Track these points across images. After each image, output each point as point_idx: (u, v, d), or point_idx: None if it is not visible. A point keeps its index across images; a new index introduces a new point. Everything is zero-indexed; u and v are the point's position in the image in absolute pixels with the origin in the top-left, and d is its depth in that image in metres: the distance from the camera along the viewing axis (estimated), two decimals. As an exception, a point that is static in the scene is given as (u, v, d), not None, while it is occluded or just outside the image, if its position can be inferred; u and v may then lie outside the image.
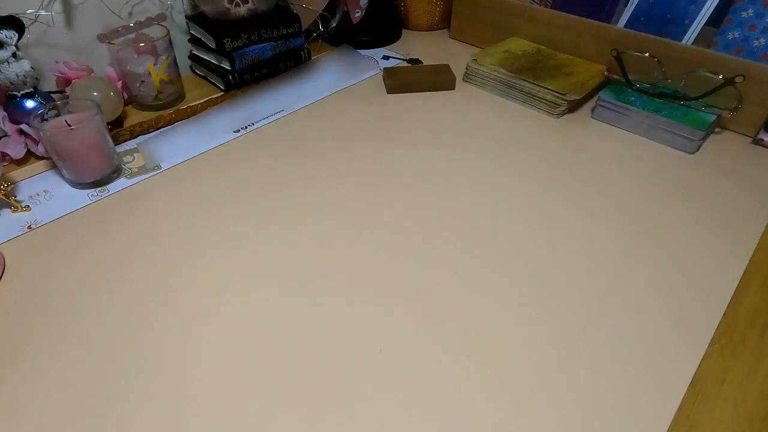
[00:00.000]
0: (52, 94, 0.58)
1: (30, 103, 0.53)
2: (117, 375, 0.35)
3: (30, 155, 0.55)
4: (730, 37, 0.63)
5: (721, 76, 0.56)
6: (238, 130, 0.62)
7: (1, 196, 0.48)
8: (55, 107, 0.51)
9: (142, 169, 0.55)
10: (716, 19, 0.63)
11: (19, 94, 0.53)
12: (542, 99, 0.65)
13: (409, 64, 0.77)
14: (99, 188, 0.52)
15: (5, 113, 0.53)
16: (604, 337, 0.37)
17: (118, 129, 0.59)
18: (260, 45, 0.68)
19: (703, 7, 0.62)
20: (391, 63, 0.78)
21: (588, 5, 0.70)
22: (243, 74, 0.68)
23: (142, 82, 0.62)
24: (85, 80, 0.58)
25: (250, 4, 0.66)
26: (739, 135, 0.61)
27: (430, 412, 0.32)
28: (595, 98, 0.64)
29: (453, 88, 0.71)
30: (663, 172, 0.54)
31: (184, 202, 0.50)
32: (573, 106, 0.66)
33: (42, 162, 0.54)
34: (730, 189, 0.52)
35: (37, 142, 0.53)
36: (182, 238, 0.46)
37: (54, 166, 0.54)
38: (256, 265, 0.43)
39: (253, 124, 0.63)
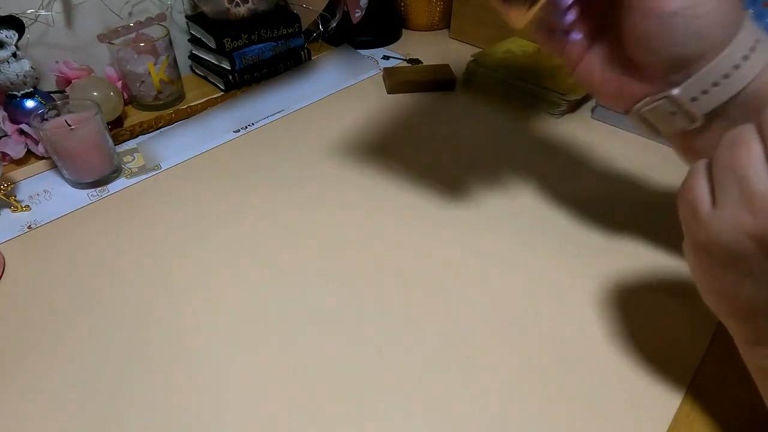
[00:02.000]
0: (52, 94, 0.58)
1: (30, 103, 0.53)
2: (117, 374, 0.35)
3: (30, 155, 0.55)
4: (730, 37, 0.63)
5: (721, 76, 0.56)
6: (238, 130, 0.62)
7: (1, 196, 0.48)
8: (55, 107, 0.51)
9: (142, 169, 0.55)
10: (716, 19, 0.63)
11: (19, 94, 0.53)
12: (542, 99, 0.65)
13: (409, 64, 0.77)
14: (99, 188, 0.52)
15: (5, 113, 0.53)
16: (604, 337, 0.37)
17: (118, 129, 0.59)
18: (260, 45, 0.68)
19: (703, 7, 0.62)
20: (391, 63, 0.78)
21: (588, 5, 0.70)
22: (243, 74, 0.68)
23: (142, 82, 0.62)
24: (85, 80, 0.58)
25: (250, 4, 0.66)
26: (739, 135, 0.61)
27: (429, 413, 0.32)
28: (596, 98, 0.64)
29: (453, 88, 0.71)
30: (663, 173, 0.54)
31: (184, 201, 0.50)
32: (573, 106, 0.66)
33: (42, 162, 0.54)
34: (730, 189, 0.52)
35: (37, 142, 0.53)
36: (182, 238, 0.46)
37: (54, 166, 0.54)
38: (257, 264, 0.43)
39: (253, 124, 0.63)
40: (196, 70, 0.74)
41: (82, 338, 0.37)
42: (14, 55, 0.51)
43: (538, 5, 0.29)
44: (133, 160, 0.56)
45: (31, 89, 0.53)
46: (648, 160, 0.57)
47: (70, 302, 0.40)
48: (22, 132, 0.53)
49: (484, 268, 0.43)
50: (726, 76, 0.26)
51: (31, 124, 0.48)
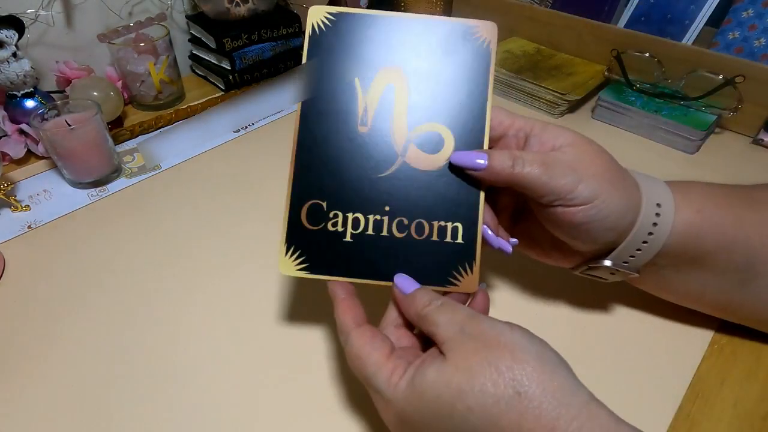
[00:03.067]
0: (52, 94, 0.58)
1: (30, 103, 0.53)
2: (116, 374, 0.35)
3: (30, 155, 0.55)
4: (730, 37, 0.63)
5: (721, 76, 0.56)
6: (238, 130, 0.62)
7: (1, 196, 0.48)
8: (55, 107, 0.51)
9: (142, 169, 0.55)
10: (716, 19, 0.63)
11: (19, 94, 0.53)
12: (542, 99, 0.65)
13: (409, 64, 0.77)
14: (99, 188, 0.52)
15: (5, 113, 0.53)
16: (603, 337, 0.37)
17: (118, 129, 0.59)
18: (260, 45, 0.68)
19: (703, 7, 0.62)
20: (391, 63, 0.78)
21: (588, 5, 0.70)
22: (243, 74, 0.68)
23: (142, 82, 0.62)
24: (85, 80, 0.58)
25: (250, 4, 0.66)
26: (739, 135, 0.61)
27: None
28: (595, 98, 0.64)
29: (453, 88, 0.71)
30: (663, 173, 0.54)
31: (183, 202, 0.50)
32: (573, 106, 0.66)
33: (42, 162, 0.54)
34: (730, 189, 0.52)
35: (37, 142, 0.53)
36: (182, 238, 0.46)
37: (54, 166, 0.54)
38: (257, 265, 0.43)
39: (253, 124, 0.63)
40: (196, 70, 0.74)
41: (81, 337, 0.37)
42: (14, 55, 0.51)
43: (477, 266, 0.30)
44: (133, 160, 0.56)
45: (31, 89, 0.53)
46: (648, 159, 0.57)
47: (69, 302, 0.40)
48: (22, 132, 0.53)
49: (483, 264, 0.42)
50: (645, 242, 0.31)
51: (31, 124, 0.48)
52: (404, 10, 0.88)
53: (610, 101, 0.62)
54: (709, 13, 0.62)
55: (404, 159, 0.31)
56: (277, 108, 0.66)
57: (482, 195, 0.30)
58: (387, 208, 0.30)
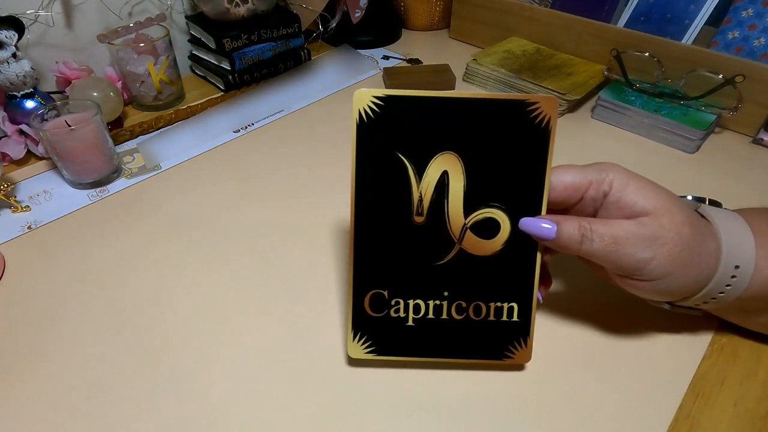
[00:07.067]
0: (52, 94, 0.58)
1: (30, 104, 0.53)
2: (117, 374, 0.35)
3: (30, 155, 0.55)
4: (730, 36, 0.63)
5: (721, 76, 0.56)
6: (238, 130, 0.62)
7: (1, 197, 0.48)
8: (55, 107, 0.51)
9: (142, 169, 0.55)
10: (716, 19, 0.63)
11: (19, 95, 0.53)
12: (542, 99, 0.64)
13: (409, 64, 0.77)
14: (99, 188, 0.52)
15: (5, 113, 0.53)
16: (603, 336, 0.37)
17: (118, 129, 0.59)
18: (260, 45, 0.68)
19: (703, 6, 0.62)
20: (391, 63, 0.78)
21: (588, 5, 0.70)
22: (243, 74, 0.68)
23: (142, 82, 0.62)
24: (85, 80, 0.58)
25: (249, 4, 0.66)
26: (739, 134, 0.61)
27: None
28: (595, 98, 0.64)
29: (453, 88, 0.71)
30: (663, 172, 0.54)
31: (183, 202, 0.50)
32: (573, 106, 0.66)
33: (42, 162, 0.54)
34: (730, 188, 0.52)
35: (37, 142, 0.53)
36: (182, 238, 0.46)
37: (54, 166, 0.54)
38: (257, 266, 0.43)
39: (253, 124, 0.63)
40: (196, 70, 0.74)
41: (81, 337, 0.37)
42: (14, 55, 0.51)
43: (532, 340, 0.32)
44: (133, 160, 0.56)
45: (31, 89, 0.53)
46: (647, 159, 0.57)
47: (69, 302, 0.40)
48: (22, 132, 0.53)
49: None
50: (714, 298, 0.30)
51: (31, 125, 0.48)
52: (404, 10, 0.88)
53: (610, 101, 0.62)
54: (709, 13, 0.62)
55: (461, 246, 0.31)
56: (277, 108, 0.66)
57: (537, 274, 0.31)
58: (446, 293, 0.32)
